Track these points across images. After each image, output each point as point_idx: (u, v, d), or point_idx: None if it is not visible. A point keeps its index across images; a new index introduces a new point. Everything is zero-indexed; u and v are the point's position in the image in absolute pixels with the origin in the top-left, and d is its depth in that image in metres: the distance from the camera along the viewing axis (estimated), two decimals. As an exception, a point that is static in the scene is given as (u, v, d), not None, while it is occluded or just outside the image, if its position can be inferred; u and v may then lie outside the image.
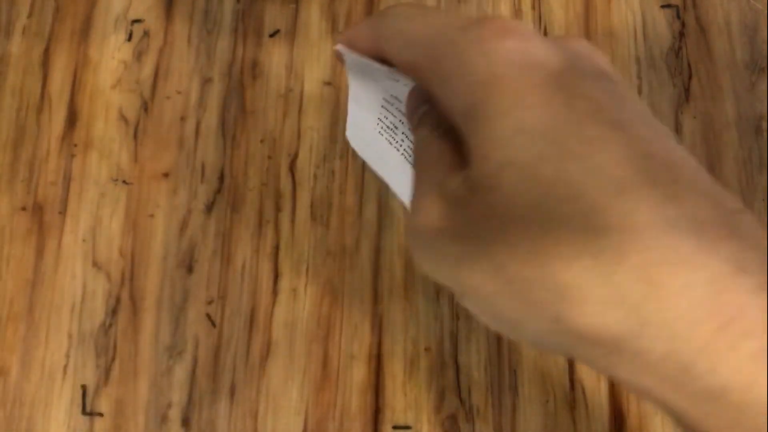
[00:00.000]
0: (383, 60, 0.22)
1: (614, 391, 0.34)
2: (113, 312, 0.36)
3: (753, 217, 0.16)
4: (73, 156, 0.39)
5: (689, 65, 0.39)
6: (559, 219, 0.16)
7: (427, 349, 0.35)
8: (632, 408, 0.34)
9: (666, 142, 0.17)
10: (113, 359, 0.36)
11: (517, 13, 0.40)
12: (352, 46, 0.23)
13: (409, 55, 0.20)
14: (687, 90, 0.39)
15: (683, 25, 0.40)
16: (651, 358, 0.15)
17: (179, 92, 0.39)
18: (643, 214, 0.15)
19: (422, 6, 0.21)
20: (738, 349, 0.14)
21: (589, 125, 0.16)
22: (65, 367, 0.36)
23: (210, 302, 0.36)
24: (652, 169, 0.16)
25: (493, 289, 0.17)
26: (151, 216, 0.38)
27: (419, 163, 0.21)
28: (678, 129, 0.38)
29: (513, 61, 0.17)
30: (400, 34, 0.20)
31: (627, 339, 0.15)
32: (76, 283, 0.37)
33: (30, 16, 0.41)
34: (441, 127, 0.20)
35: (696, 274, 0.14)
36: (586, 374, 0.34)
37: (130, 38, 0.41)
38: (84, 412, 0.35)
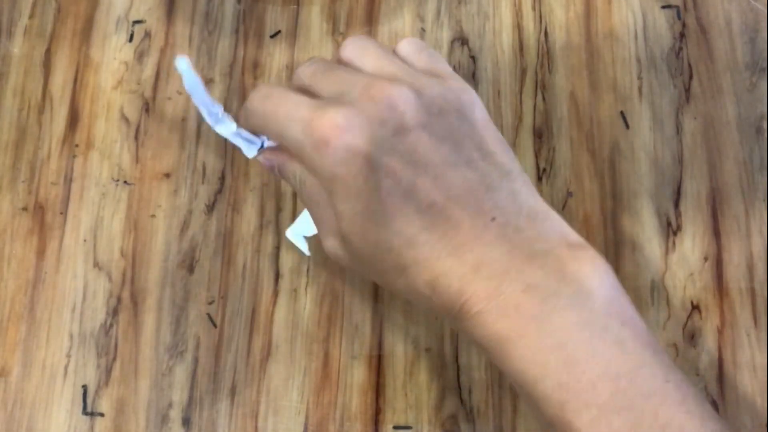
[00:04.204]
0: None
1: (615, 392, 0.34)
2: (114, 312, 0.36)
3: (506, 220, 0.27)
4: (74, 156, 0.39)
5: (690, 66, 0.39)
6: (385, 264, 0.27)
7: (427, 350, 0.35)
8: (633, 408, 0.34)
9: (442, 181, 0.27)
10: (114, 359, 0.36)
11: (518, 13, 0.40)
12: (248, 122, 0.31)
13: (269, 134, 0.30)
14: (687, 90, 0.39)
15: (684, 25, 0.40)
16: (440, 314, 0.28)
17: (180, 93, 0.40)
18: (424, 254, 0.27)
19: (274, 87, 0.30)
20: (469, 313, 0.26)
21: (388, 202, 0.26)
22: (66, 367, 0.36)
23: (211, 302, 0.36)
24: (430, 219, 0.27)
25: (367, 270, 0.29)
26: (152, 216, 0.38)
27: (312, 205, 0.29)
28: (678, 129, 0.38)
29: (340, 159, 0.26)
30: (255, 113, 0.30)
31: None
32: (77, 283, 0.37)
33: (32, 16, 0.41)
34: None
35: (451, 278, 0.26)
36: (586, 374, 0.34)
37: (131, 39, 0.41)
38: (85, 412, 0.35)
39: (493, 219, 0.27)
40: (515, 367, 0.25)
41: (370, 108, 0.26)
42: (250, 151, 0.32)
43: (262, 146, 0.32)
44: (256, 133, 0.32)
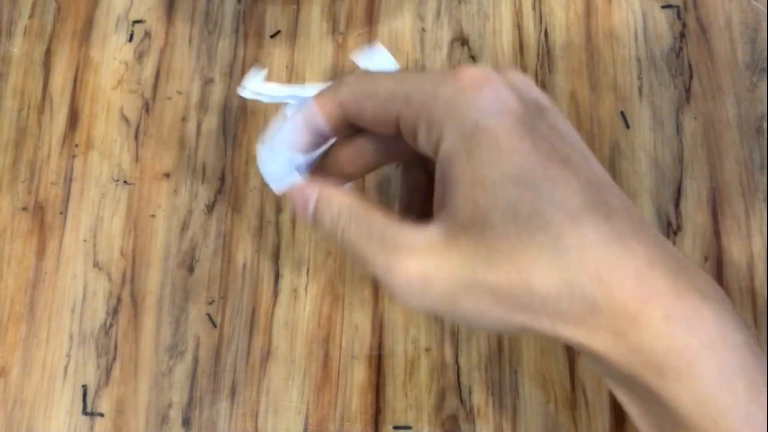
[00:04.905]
0: (347, 123, 0.26)
1: (615, 392, 0.34)
2: (114, 312, 0.36)
3: (649, 221, 0.23)
4: (74, 156, 0.39)
5: (690, 66, 0.39)
6: (534, 245, 0.22)
7: (427, 350, 0.35)
8: (633, 408, 0.34)
9: (591, 165, 0.23)
10: (114, 359, 0.36)
11: (518, 13, 0.40)
12: (315, 116, 0.26)
13: (383, 110, 0.24)
14: (688, 90, 0.39)
15: (684, 25, 0.40)
16: (598, 328, 0.22)
17: (180, 93, 0.40)
18: (589, 235, 0.22)
19: (375, 72, 0.26)
20: (651, 318, 0.21)
21: (549, 166, 0.22)
22: (66, 367, 0.36)
23: (211, 302, 0.36)
24: (591, 196, 0.22)
25: (483, 307, 0.23)
26: (152, 216, 0.38)
27: (363, 235, 0.25)
28: (679, 129, 0.38)
29: (492, 109, 0.22)
30: (368, 94, 0.25)
31: (583, 318, 0.22)
32: (77, 283, 0.37)
33: (32, 16, 0.41)
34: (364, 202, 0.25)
35: (624, 271, 0.21)
36: (587, 375, 0.34)
37: (131, 39, 0.41)
38: (84, 412, 0.35)
39: (639, 218, 0.23)
40: (700, 393, 0.20)
41: (510, 76, 0.24)
42: (284, 181, 0.28)
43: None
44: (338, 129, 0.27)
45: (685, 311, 0.21)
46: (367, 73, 0.26)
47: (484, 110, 0.22)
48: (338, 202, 0.26)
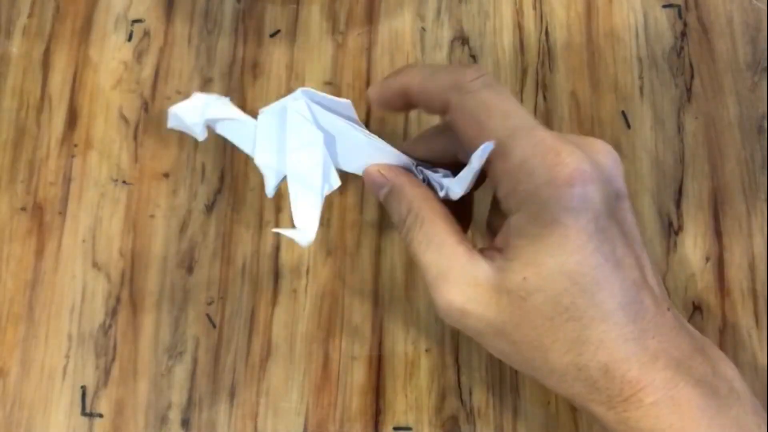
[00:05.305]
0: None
1: (616, 393, 0.34)
2: (113, 312, 0.36)
3: (673, 311, 0.26)
4: (73, 156, 0.39)
5: (691, 65, 0.39)
6: (562, 330, 0.25)
7: (427, 350, 0.35)
8: (634, 409, 0.34)
9: (639, 264, 0.26)
10: (113, 360, 0.35)
11: (518, 12, 0.40)
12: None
13: (477, 129, 0.26)
14: (689, 90, 0.38)
15: (685, 24, 0.40)
16: (594, 401, 0.25)
17: (179, 92, 0.39)
18: (611, 333, 0.24)
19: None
20: (642, 401, 0.24)
21: (603, 268, 0.24)
22: (65, 367, 0.35)
23: (210, 303, 0.36)
24: (628, 297, 0.25)
25: (503, 353, 0.27)
26: (151, 216, 0.38)
27: (422, 245, 0.27)
28: (680, 129, 0.38)
29: (574, 208, 0.24)
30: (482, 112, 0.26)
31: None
32: (76, 283, 0.37)
33: (30, 16, 0.41)
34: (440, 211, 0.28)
35: (630, 365, 0.24)
36: (587, 375, 0.34)
37: (130, 38, 0.40)
38: (83, 413, 0.35)
39: (669, 309, 0.26)
40: None
41: (603, 161, 0.26)
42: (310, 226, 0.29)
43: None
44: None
45: (674, 398, 0.24)
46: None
47: (566, 208, 0.24)
48: (408, 200, 0.28)
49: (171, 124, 0.31)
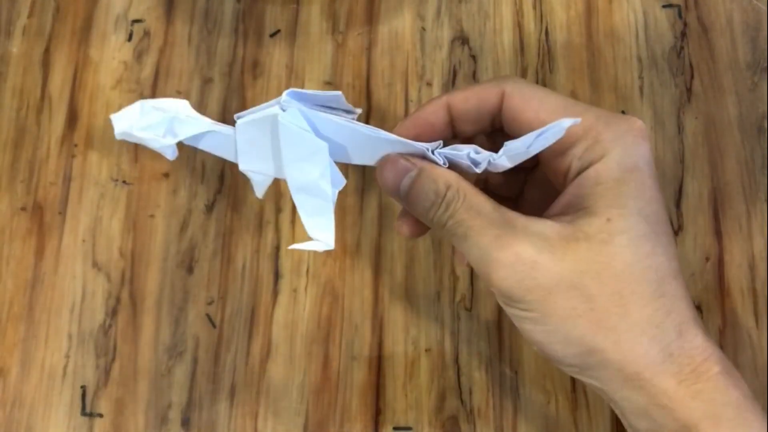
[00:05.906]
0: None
1: (616, 392, 0.34)
2: (113, 312, 0.36)
3: (699, 323, 0.25)
4: (73, 156, 0.39)
5: (691, 65, 0.39)
6: (642, 284, 0.25)
7: (427, 350, 0.35)
8: (634, 409, 0.34)
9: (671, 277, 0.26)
10: (113, 360, 0.35)
11: (518, 12, 0.40)
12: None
13: (552, 117, 0.26)
14: (689, 90, 0.38)
15: (685, 24, 0.40)
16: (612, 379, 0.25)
17: (179, 92, 0.39)
18: (690, 313, 0.25)
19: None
20: (652, 379, 0.25)
21: (668, 226, 0.26)
22: (65, 367, 0.35)
23: (210, 303, 0.36)
24: (674, 267, 0.26)
25: (570, 313, 0.25)
26: (152, 216, 0.38)
27: (473, 211, 0.26)
28: (680, 129, 0.38)
29: (648, 159, 0.26)
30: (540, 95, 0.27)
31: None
32: (76, 283, 0.37)
33: (30, 16, 0.41)
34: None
35: (650, 359, 0.25)
36: (587, 375, 0.34)
37: (130, 38, 0.40)
38: (84, 412, 0.35)
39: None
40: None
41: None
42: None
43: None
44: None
45: (729, 371, 0.25)
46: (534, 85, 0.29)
47: (644, 156, 0.26)
48: (446, 177, 0.26)
49: (118, 133, 0.31)
